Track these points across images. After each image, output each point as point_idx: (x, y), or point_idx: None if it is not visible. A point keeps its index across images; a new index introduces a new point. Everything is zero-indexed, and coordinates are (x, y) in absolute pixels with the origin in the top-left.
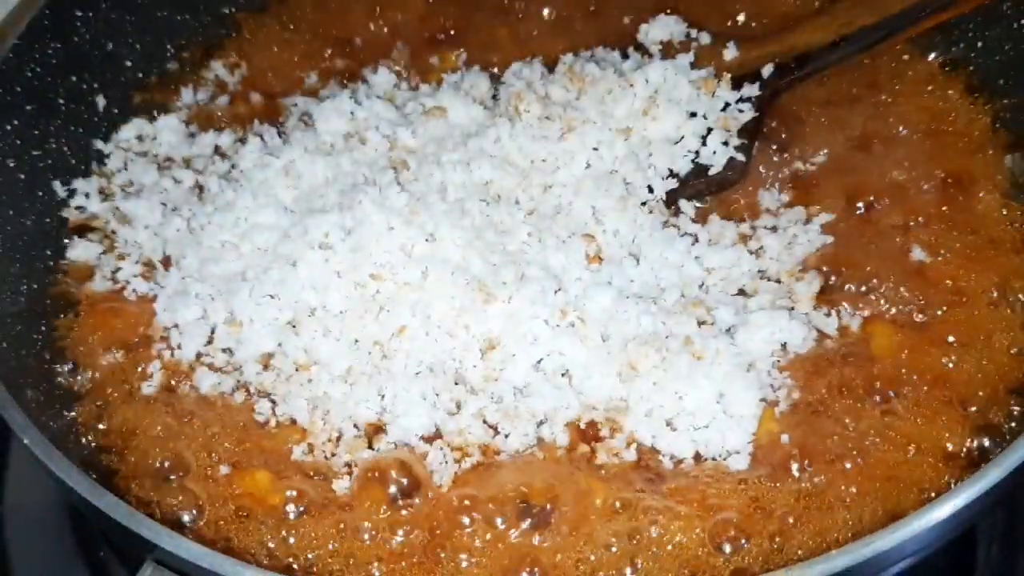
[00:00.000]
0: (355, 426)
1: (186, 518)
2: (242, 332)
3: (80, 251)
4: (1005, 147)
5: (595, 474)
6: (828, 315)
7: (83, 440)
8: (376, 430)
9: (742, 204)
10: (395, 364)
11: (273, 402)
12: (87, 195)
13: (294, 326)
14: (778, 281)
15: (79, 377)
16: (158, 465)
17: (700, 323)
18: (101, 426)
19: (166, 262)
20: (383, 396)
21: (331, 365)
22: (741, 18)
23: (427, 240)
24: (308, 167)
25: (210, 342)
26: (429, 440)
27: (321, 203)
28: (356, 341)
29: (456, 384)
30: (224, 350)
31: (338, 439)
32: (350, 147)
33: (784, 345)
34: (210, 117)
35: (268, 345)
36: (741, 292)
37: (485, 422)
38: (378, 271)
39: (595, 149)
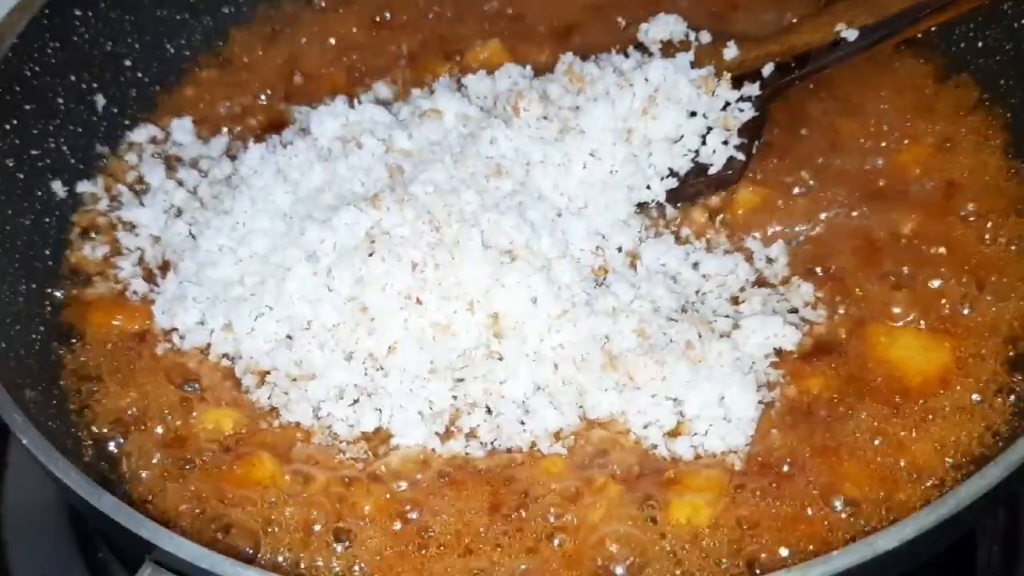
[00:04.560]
0: (357, 439)
1: (187, 518)
2: (241, 346)
3: (81, 251)
4: (1005, 147)
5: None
6: (823, 315)
7: (83, 440)
8: (379, 439)
9: (737, 206)
10: (391, 379)
11: (276, 411)
12: (93, 195)
13: (291, 338)
14: (773, 285)
15: (79, 377)
16: (159, 464)
17: (699, 334)
18: (101, 426)
19: (164, 267)
20: (380, 410)
21: (327, 376)
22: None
23: (422, 249)
24: (305, 172)
25: (208, 346)
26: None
27: (317, 210)
28: (351, 353)
29: (455, 398)
30: (224, 355)
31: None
32: (347, 152)
33: (780, 347)
34: (219, 122)
35: (266, 363)
36: (735, 298)
37: (483, 442)
38: (370, 280)
39: (594, 149)
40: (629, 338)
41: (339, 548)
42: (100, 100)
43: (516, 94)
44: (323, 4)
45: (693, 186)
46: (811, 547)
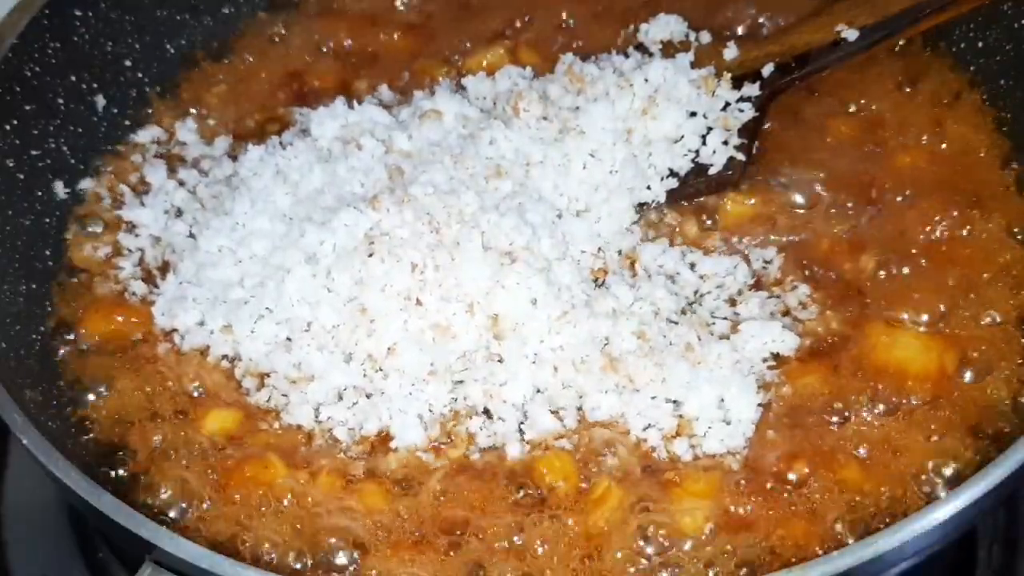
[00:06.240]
0: (357, 441)
1: (188, 518)
2: (241, 348)
3: (82, 252)
4: (1005, 147)
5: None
6: (822, 316)
7: (83, 440)
8: (381, 441)
9: (731, 210)
10: (390, 380)
11: (277, 412)
12: (95, 195)
13: (290, 340)
14: (771, 287)
15: (79, 377)
16: (160, 464)
17: (699, 337)
18: (101, 426)
19: (164, 267)
20: (379, 415)
21: (326, 378)
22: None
23: (421, 250)
24: (305, 174)
25: (208, 348)
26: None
27: (317, 211)
28: (350, 355)
29: (454, 400)
30: (223, 357)
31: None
32: (347, 153)
33: (779, 349)
34: (219, 123)
35: (265, 364)
36: (733, 300)
37: (482, 448)
38: (370, 281)
39: (594, 149)
40: (629, 340)
41: (341, 547)
42: (100, 100)
43: (516, 95)
44: (323, 6)
45: (693, 186)
46: (810, 547)
